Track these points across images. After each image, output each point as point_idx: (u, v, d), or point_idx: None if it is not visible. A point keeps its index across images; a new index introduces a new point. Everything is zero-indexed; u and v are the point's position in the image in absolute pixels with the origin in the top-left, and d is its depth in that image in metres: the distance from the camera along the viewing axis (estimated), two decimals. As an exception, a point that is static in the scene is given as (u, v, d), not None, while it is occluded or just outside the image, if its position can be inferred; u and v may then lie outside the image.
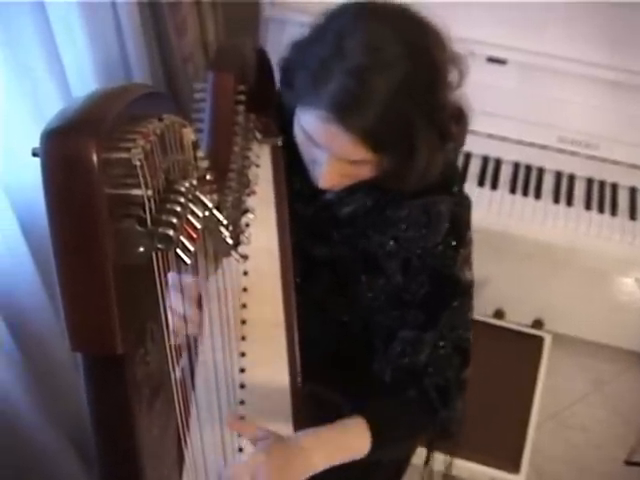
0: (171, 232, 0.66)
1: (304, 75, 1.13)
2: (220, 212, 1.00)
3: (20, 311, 1.49)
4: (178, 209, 0.68)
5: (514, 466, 1.81)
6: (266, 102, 1.32)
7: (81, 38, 1.51)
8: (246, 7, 2.17)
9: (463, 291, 1.33)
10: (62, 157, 0.58)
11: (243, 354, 1.30)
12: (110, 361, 0.67)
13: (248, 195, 1.24)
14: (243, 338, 1.30)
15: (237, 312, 1.30)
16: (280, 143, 1.35)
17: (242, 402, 1.27)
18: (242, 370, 1.29)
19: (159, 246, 0.67)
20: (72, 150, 0.57)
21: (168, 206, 0.68)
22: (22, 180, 1.40)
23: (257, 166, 1.32)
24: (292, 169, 1.35)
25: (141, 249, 0.66)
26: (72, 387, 1.80)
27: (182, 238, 0.70)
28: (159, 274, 0.71)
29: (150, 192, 0.63)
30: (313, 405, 1.29)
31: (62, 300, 0.63)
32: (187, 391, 1.16)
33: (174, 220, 0.67)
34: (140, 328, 0.72)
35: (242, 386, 1.28)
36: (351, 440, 1.22)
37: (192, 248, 0.71)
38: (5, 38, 1.29)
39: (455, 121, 1.20)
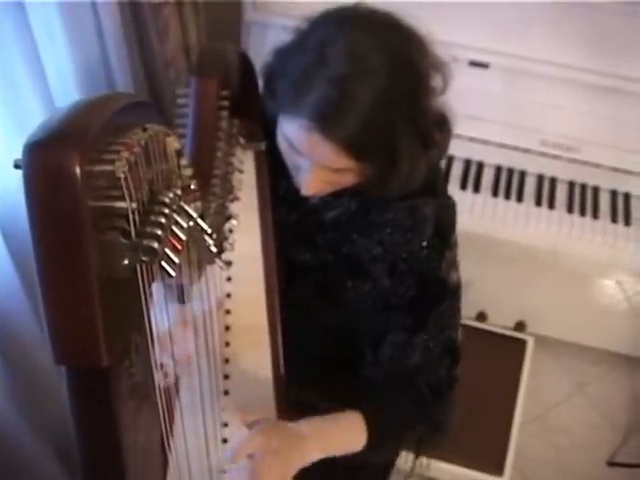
0: (155, 244, 0.65)
1: (286, 83, 1.13)
2: (204, 219, 0.99)
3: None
4: (162, 221, 0.68)
5: (498, 469, 1.82)
6: (249, 107, 1.32)
7: (61, 40, 1.50)
8: (228, 10, 2.16)
9: (450, 293, 1.34)
10: (45, 169, 0.57)
11: (227, 360, 1.29)
12: (95, 374, 0.66)
13: (231, 201, 1.23)
14: (227, 344, 1.30)
15: (221, 318, 1.29)
16: (263, 148, 1.35)
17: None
18: (226, 376, 1.29)
19: (143, 258, 0.66)
20: (55, 162, 0.57)
21: (152, 218, 0.68)
22: (2, 183, 1.38)
23: (241, 172, 1.31)
24: (276, 174, 1.34)
25: (125, 261, 0.65)
26: (55, 392, 1.78)
27: (166, 250, 0.69)
28: (143, 286, 0.70)
29: (134, 205, 0.62)
30: (299, 411, 1.29)
31: (45, 313, 0.62)
32: (171, 398, 1.15)
33: (158, 232, 0.66)
34: (125, 340, 0.71)
35: (226, 392, 1.27)
36: (347, 432, 1.25)
37: (177, 260, 0.70)
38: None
39: (438, 127, 1.20)
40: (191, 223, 0.79)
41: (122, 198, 0.62)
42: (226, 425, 1.25)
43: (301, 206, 1.36)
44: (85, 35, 1.61)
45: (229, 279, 1.31)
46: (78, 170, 0.57)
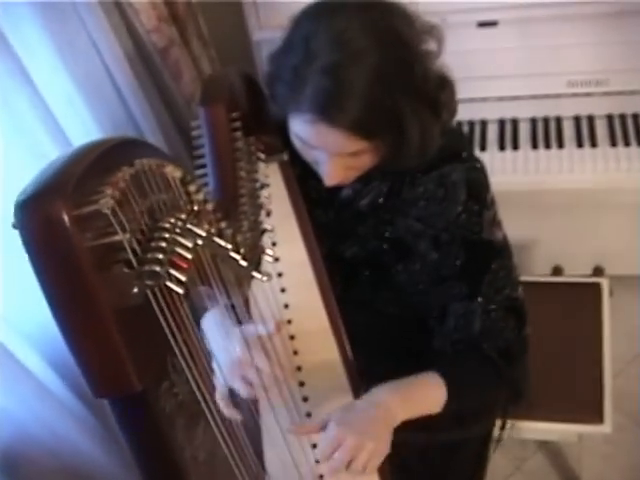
0: (157, 268, 0.69)
1: (282, 85, 1.17)
2: (235, 237, 1.03)
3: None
4: (163, 245, 0.71)
5: (598, 417, 1.76)
6: (263, 122, 1.35)
7: (83, 110, 1.57)
8: (235, 36, 2.21)
9: (498, 252, 1.34)
10: (36, 222, 0.61)
11: (299, 368, 1.32)
12: (134, 400, 0.70)
13: (266, 216, 1.26)
14: (295, 352, 1.32)
15: (284, 329, 1.31)
16: (286, 158, 1.37)
17: (309, 414, 1.29)
18: (301, 384, 1.32)
19: (148, 283, 0.70)
20: (44, 213, 0.61)
21: (153, 244, 0.71)
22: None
23: (267, 186, 1.32)
24: (304, 178, 1.37)
25: (135, 290, 0.69)
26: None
27: (171, 271, 0.72)
28: (162, 309, 0.74)
29: (128, 236, 0.66)
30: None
31: (72, 354, 0.66)
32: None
33: (159, 256, 0.70)
34: (159, 362, 0.75)
35: (305, 399, 1.31)
36: (424, 388, 1.26)
37: (183, 278, 0.73)
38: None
39: (440, 89, 1.21)
40: (200, 242, 0.82)
41: (117, 232, 0.66)
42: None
43: (335, 202, 1.38)
44: (106, 99, 1.68)
45: (283, 290, 1.34)
46: (66, 216, 0.61)
